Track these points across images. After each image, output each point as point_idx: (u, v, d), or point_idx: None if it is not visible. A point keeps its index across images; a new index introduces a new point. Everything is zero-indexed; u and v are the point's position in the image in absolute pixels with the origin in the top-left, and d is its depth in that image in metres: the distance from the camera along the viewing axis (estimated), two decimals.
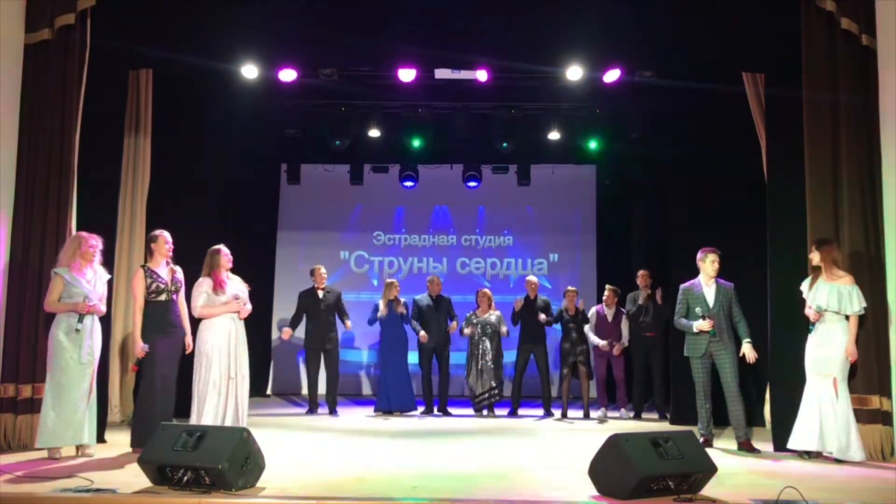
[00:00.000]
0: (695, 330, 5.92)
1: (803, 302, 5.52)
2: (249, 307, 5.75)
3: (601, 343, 8.16)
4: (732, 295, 5.96)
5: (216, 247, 5.73)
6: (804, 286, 5.57)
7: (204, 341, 5.50)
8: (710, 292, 5.97)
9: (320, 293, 8.31)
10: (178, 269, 5.62)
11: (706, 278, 6.00)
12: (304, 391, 9.91)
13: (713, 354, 5.92)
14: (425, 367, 8.32)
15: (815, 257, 5.47)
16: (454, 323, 8.35)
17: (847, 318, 5.35)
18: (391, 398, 8.06)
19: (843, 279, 5.36)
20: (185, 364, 5.62)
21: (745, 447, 5.74)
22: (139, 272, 5.48)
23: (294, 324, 8.39)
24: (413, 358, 8.65)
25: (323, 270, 8.46)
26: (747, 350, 5.83)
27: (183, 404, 5.58)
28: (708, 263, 5.97)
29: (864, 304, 5.34)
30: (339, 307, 8.34)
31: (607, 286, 8.49)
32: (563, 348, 8.20)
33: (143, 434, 5.19)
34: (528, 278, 8.64)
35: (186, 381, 5.58)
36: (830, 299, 5.35)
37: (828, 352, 5.34)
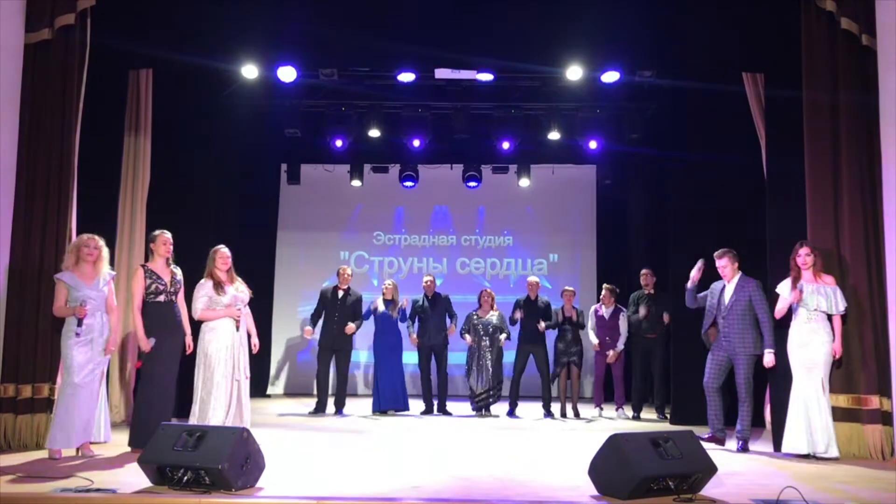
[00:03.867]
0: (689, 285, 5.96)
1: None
2: (248, 311, 5.76)
3: (595, 342, 8.19)
4: (752, 292, 5.83)
5: (215, 247, 5.75)
6: (783, 287, 5.62)
7: (207, 344, 5.50)
8: (729, 289, 5.93)
9: (340, 293, 8.27)
10: (178, 269, 5.61)
11: (725, 278, 5.98)
12: (306, 391, 9.93)
13: (731, 355, 5.84)
14: (424, 368, 8.32)
15: (807, 259, 5.50)
16: (452, 325, 8.34)
17: (830, 318, 5.44)
18: (385, 398, 8.07)
19: (827, 281, 5.45)
20: (185, 364, 5.62)
21: (741, 447, 5.76)
22: (139, 272, 5.47)
23: (314, 320, 8.32)
24: (412, 358, 8.65)
25: (349, 271, 8.42)
26: (767, 360, 5.74)
27: (182, 405, 5.58)
28: (718, 266, 5.97)
29: (846, 304, 5.43)
30: (355, 310, 8.27)
31: (605, 285, 8.50)
32: (557, 348, 8.22)
33: (141, 434, 5.18)
34: (529, 279, 8.62)
35: (185, 382, 5.58)
36: (819, 300, 5.42)
37: (814, 352, 5.42)
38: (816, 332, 5.43)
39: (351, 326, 8.10)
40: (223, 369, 5.47)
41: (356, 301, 8.28)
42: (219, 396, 5.43)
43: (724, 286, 5.96)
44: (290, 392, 10.30)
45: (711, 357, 5.95)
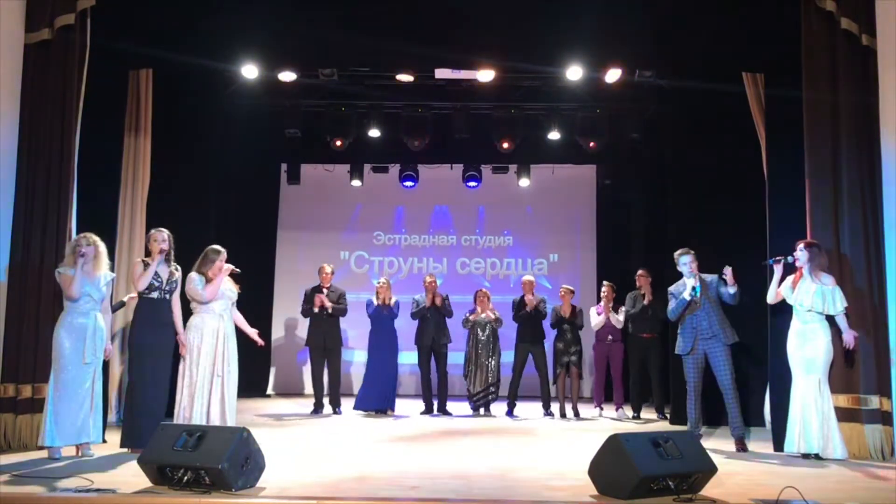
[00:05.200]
0: (687, 297, 5.93)
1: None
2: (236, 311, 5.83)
3: (596, 320, 8.23)
4: (717, 284, 5.96)
5: (215, 247, 5.76)
6: (784, 286, 5.62)
7: (189, 340, 5.51)
8: (697, 286, 5.96)
9: (324, 292, 8.29)
10: (179, 268, 5.61)
11: (686, 278, 6.03)
12: (306, 391, 9.93)
13: (707, 352, 5.91)
14: (424, 367, 8.31)
15: (802, 257, 5.51)
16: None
17: (827, 318, 5.44)
18: (373, 397, 8.07)
19: (825, 281, 5.45)
20: (177, 363, 5.62)
21: (739, 447, 5.76)
22: (138, 264, 5.50)
23: (307, 315, 8.35)
24: (410, 358, 8.64)
25: (328, 269, 8.42)
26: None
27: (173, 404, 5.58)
28: (679, 266, 6.05)
29: (846, 304, 5.43)
30: (338, 307, 8.31)
31: (605, 283, 8.50)
32: (556, 348, 8.22)
33: (133, 433, 5.21)
34: (523, 278, 8.64)
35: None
36: (815, 299, 5.42)
37: (812, 352, 5.43)
38: (815, 332, 5.43)
39: (321, 297, 8.12)
40: (203, 366, 5.45)
41: (339, 297, 8.32)
42: (199, 394, 5.41)
43: (687, 285, 5.98)
44: (290, 392, 10.29)
45: (691, 361, 5.96)
